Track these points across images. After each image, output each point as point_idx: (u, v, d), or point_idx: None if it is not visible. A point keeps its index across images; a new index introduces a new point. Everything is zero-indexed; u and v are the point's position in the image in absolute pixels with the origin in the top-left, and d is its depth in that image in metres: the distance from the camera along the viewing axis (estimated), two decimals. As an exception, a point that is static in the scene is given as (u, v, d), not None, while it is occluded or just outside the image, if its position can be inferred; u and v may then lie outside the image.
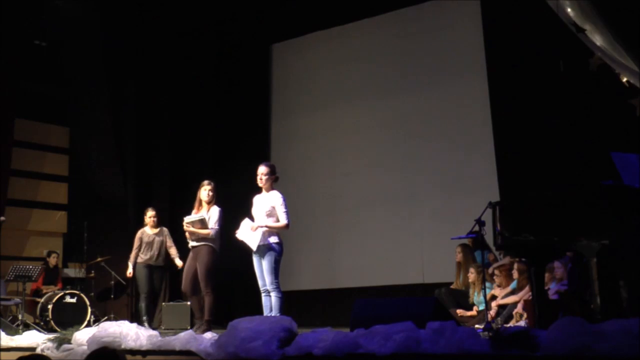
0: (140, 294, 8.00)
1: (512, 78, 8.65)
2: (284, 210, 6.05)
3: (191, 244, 6.59)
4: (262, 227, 6.01)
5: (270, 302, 6.03)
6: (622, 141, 5.92)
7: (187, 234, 6.59)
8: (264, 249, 6.01)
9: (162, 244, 8.12)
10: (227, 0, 10.48)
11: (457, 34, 9.50)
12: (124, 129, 10.77)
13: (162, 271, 8.24)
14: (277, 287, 5.99)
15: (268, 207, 6.08)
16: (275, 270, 6.00)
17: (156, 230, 8.16)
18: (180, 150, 10.88)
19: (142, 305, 7.93)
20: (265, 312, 6.04)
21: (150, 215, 8.17)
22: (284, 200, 6.11)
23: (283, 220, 6.04)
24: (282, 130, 11.10)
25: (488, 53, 9.08)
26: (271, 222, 6.04)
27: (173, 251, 8.12)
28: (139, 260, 7.98)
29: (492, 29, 9.08)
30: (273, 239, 6.03)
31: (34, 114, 10.39)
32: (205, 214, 6.53)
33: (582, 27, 5.81)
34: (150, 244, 8.06)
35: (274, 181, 6.23)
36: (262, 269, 6.03)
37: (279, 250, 6.05)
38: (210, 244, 6.50)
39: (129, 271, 8.06)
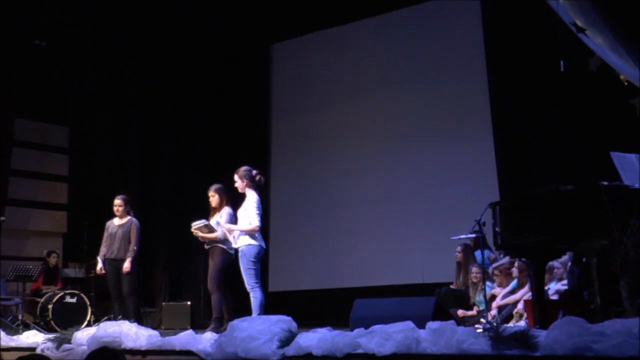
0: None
1: (512, 78, 8.65)
2: (256, 212, 6.26)
3: (206, 246, 6.73)
4: (224, 231, 6.40)
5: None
6: (622, 141, 5.91)
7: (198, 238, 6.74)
8: (239, 251, 6.28)
9: (127, 237, 7.35)
10: (227, 0, 10.48)
11: (457, 34, 9.50)
12: (125, 129, 10.80)
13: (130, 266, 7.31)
14: (254, 288, 6.18)
15: (242, 210, 6.35)
16: (250, 272, 6.19)
17: (123, 221, 7.44)
18: (180, 150, 10.89)
19: (114, 306, 7.37)
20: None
21: (114, 204, 7.46)
22: (257, 202, 6.32)
23: (254, 223, 6.24)
24: (282, 130, 11.10)
25: (488, 53, 9.09)
26: (244, 224, 6.26)
27: (129, 248, 7.31)
28: (106, 255, 7.36)
29: (492, 29, 9.09)
30: (245, 242, 6.24)
31: (34, 114, 10.38)
32: (218, 217, 6.65)
33: (582, 27, 5.80)
34: (113, 236, 7.37)
35: (250, 181, 6.43)
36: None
37: (250, 252, 6.21)
38: (221, 245, 6.58)
39: (99, 267, 7.40)
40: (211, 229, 6.57)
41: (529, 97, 8.38)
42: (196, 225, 6.57)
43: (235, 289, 6.70)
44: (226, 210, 6.65)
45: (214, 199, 6.73)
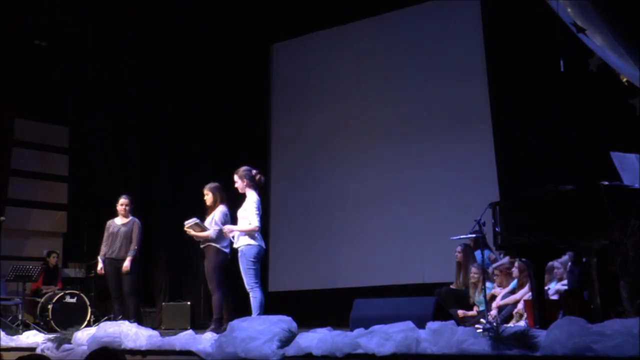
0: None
1: (512, 78, 8.65)
2: (256, 212, 6.22)
3: (201, 245, 6.71)
4: (225, 231, 6.34)
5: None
6: (622, 141, 5.92)
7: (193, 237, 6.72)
8: (239, 251, 6.24)
9: (129, 236, 7.37)
10: (227, 0, 10.48)
11: (457, 34, 9.50)
12: (125, 129, 10.80)
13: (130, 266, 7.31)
14: (254, 288, 6.16)
15: (242, 210, 6.31)
16: (250, 272, 6.17)
17: (125, 221, 7.46)
18: (180, 150, 10.89)
19: (114, 306, 7.37)
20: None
21: (121, 202, 7.48)
22: (257, 202, 6.28)
23: (253, 223, 6.21)
24: (282, 130, 11.10)
25: (488, 53, 9.09)
26: (244, 225, 6.23)
27: (130, 248, 7.33)
28: (107, 254, 7.35)
29: (492, 29, 9.09)
30: (244, 242, 6.22)
31: (34, 114, 10.39)
32: (213, 216, 6.63)
33: (582, 27, 5.81)
34: (114, 235, 7.36)
35: (250, 181, 6.39)
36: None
37: (250, 252, 6.18)
38: (214, 244, 6.57)
39: (100, 266, 7.40)
40: (203, 228, 6.56)
41: (529, 97, 8.38)
42: (188, 223, 6.57)
43: (235, 289, 6.70)
44: (220, 209, 6.63)
45: (208, 197, 6.72)
